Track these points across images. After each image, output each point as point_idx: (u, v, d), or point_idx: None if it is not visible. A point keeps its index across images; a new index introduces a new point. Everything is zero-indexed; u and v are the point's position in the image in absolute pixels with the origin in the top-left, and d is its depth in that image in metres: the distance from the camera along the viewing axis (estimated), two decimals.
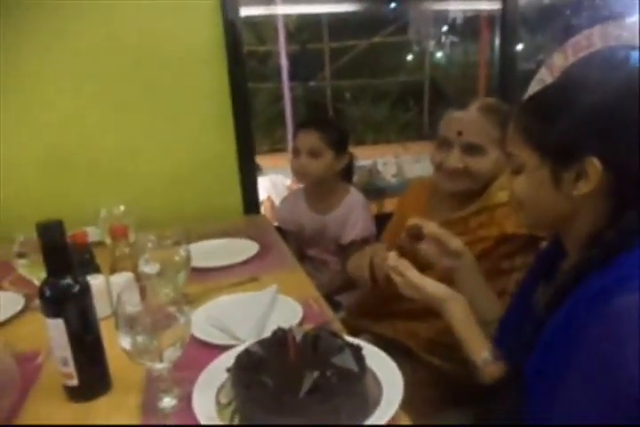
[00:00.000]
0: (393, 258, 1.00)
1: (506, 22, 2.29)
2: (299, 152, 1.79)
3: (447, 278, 1.05)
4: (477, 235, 1.23)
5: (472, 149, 1.22)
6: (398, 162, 7.78)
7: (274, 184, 4.36)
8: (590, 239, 0.75)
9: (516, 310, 0.96)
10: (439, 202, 1.40)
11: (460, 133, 1.22)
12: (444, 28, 9.36)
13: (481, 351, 0.90)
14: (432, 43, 9.29)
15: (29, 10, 1.66)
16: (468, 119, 1.24)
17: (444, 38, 9.47)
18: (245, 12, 1.98)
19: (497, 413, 0.81)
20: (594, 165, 0.70)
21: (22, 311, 1.18)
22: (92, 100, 1.79)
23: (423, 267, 1.03)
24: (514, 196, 0.83)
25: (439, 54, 9.66)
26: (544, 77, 3.24)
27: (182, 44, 1.81)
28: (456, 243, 1.06)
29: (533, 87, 3.23)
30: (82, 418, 0.79)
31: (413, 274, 0.97)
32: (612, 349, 0.64)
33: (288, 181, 4.26)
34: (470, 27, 8.40)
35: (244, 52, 1.91)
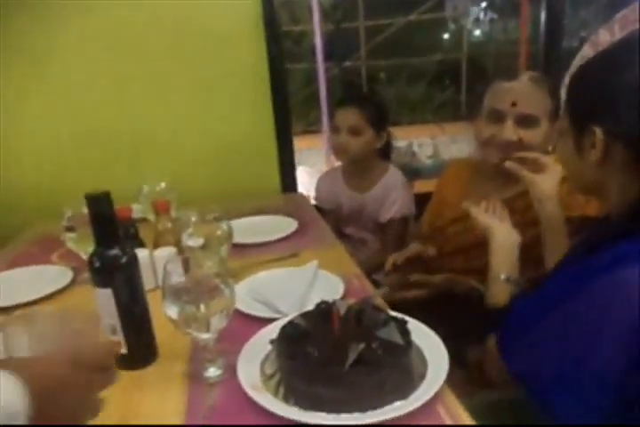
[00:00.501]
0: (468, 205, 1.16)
1: None
2: (339, 130, 1.77)
3: None
4: (526, 217, 1.20)
5: (526, 121, 1.19)
6: (434, 143, 7.69)
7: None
8: (618, 210, 0.77)
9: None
10: (481, 182, 1.36)
11: (514, 104, 1.18)
12: (483, 4, 9.09)
13: (501, 272, 1.03)
14: (470, 20, 9.04)
15: None
16: (521, 90, 1.20)
17: (482, 15, 9.20)
18: None
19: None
20: (598, 134, 0.74)
21: (71, 284, 1.21)
22: (132, 78, 1.80)
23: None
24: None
25: (477, 32, 9.40)
26: (588, 55, 3.11)
27: (221, 22, 1.80)
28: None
29: (576, 65, 3.11)
30: (130, 386, 0.81)
31: (478, 214, 1.12)
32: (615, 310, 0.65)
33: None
34: (510, 2, 8.12)
35: (281, 29, 1.90)
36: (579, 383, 0.68)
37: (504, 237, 1.08)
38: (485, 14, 9.25)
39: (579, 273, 0.72)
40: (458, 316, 1.26)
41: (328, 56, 6.67)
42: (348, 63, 8.24)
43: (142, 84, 1.81)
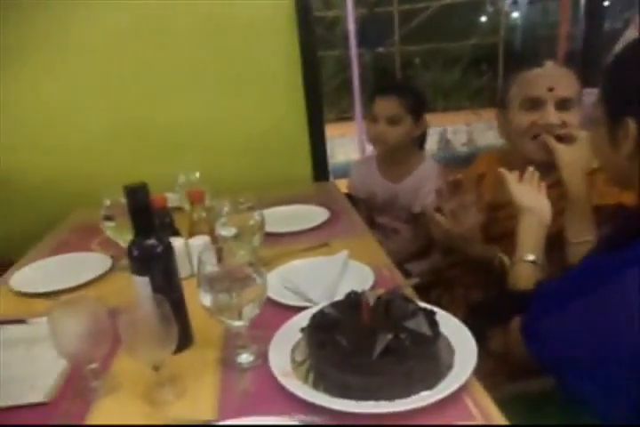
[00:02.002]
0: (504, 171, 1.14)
1: None
2: (377, 119, 1.77)
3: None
4: (558, 206, 1.18)
5: (565, 104, 1.18)
6: (469, 130, 7.55)
7: None
8: None
9: None
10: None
11: (550, 89, 1.17)
12: None
13: (528, 253, 1.02)
14: (507, 2, 8.77)
15: None
16: (555, 74, 1.20)
17: None
18: None
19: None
20: (631, 127, 0.73)
21: (110, 271, 1.26)
22: (167, 69, 1.84)
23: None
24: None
25: (515, 14, 9.11)
26: (631, 38, 2.99)
27: (253, 11, 1.81)
28: None
29: (619, 48, 2.99)
30: (168, 371, 0.84)
31: (512, 182, 1.11)
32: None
33: None
34: None
35: (313, 17, 1.89)
36: (606, 370, 0.68)
37: (535, 216, 1.07)
38: None
39: (609, 263, 0.72)
40: (481, 293, 1.26)
41: (361, 42, 6.59)
42: (381, 49, 8.12)
43: (176, 75, 1.84)
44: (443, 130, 7.13)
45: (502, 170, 1.15)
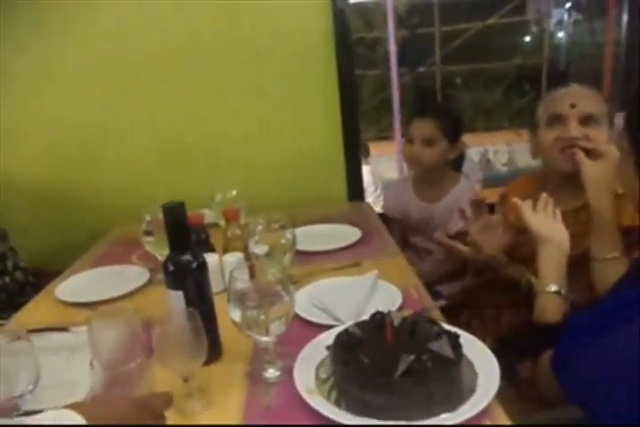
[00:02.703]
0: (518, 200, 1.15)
1: None
2: (412, 140, 1.80)
3: None
4: (588, 228, 1.18)
5: (588, 120, 1.20)
6: (510, 150, 7.44)
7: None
8: None
9: None
10: (549, 195, 1.34)
11: (572, 106, 1.20)
12: (568, 5, 8.70)
13: (551, 283, 1.01)
14: (553, 22, 8.68)
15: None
16: (577, 92, 1.24)
17: (566, 16, 8.81)
18: None
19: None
20: None
21: (147, 284, 1.32)
22: (207, 91, 1.91)
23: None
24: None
25: (560, 34, 9.00)
26: None
27: (293, 33, 1.87)
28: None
29: None
30: (196, 381, 0.88)
31: (527, 212, 1.11)
32: None
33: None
34: (597, 2, 7.74)
35: (352, 40, 1.94)
36: (636, 409, 0.67)
37: (554, 246, 1.07)
38: (570, 15, 8.86)
39: (638, 295, 0.71)
40: (508, 325, 1.25)
41: (402, 62, 6.64)
42: (422, 69, 8.16)
43: (217, 96, 1.91)
44: (484, 150, 7.06)
45: (516, 199, 1.16)
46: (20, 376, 0.73)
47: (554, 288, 1.01)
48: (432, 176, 1.86)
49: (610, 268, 1.04)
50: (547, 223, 1.11)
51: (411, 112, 1.97)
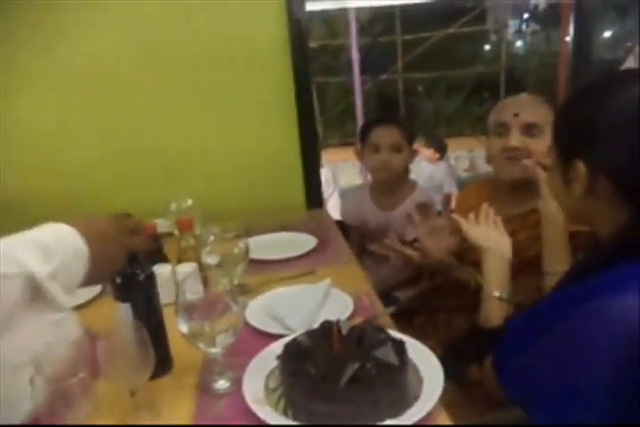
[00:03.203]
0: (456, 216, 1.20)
1: (581, 8, 2.18)
2: (378, 147, 1.80)
3: None
4: (536, 232, 1.22)
5: (530, 129, 1.24)
6: (471, 156, 7.60)
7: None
8: (606, 239, 0.80)
9: None
10: (498, 200, 1.39)
11: (516, 115, 1.24)
12: (525, 16, 8.98)
13: (494, 289, 1.05)
14: (511, 31, 8.95)
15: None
16: (522, 101, 1.28)
17: (524, 26, 9.09)
18: (317, 6, 2.01)
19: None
20: (580, 168, 0.76)
21: (99, 296, 1.29)
22: (163, 99, 1.89)
23: None
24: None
25: (518, 43, 9.29)
26: (631, 67, 3.05)
27: (249, 41, 1.87)
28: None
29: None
30: (145, 396, 0.87)
31: (465, 226, 1.16)
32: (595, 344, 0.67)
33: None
34: (553, 13, 8.00)
35: (309, 48, 1.95)
36: (572, 405, 0.70)
37: (496, 254, 1.11)
38: (527, 26, 9.14)
39: (569, 297, 0.75)
40: (460, 329, 1.28)
41: (365, 70, 6.73)
42: (384, 76, 8.27)
43: (173, 104, 1.90)
44: (445, 156, 7.19)
45: (455, 215, 1.21)
46: None
47: (497, 294, 1.05)
48: (391, 184, 1.88)
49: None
50: (487, 234, 1.15)
51: (369, 121, 1.99)
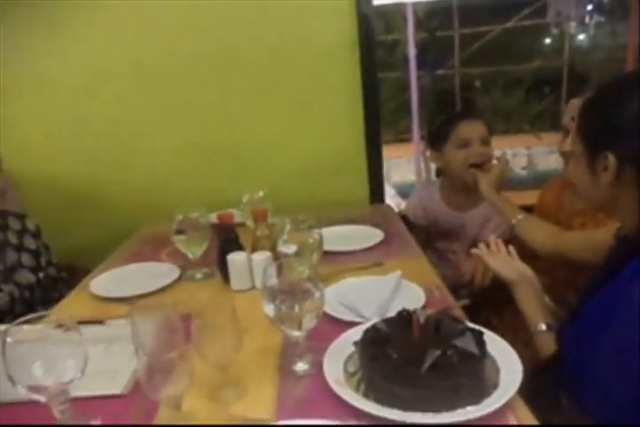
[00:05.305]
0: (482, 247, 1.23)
1: None
2: (468, 142, 1.71)
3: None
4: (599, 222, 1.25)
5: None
6: (529, 153, 7.41)
7: None
8: (631, 228, 0.83)
9: None
10: (576, 195, 1.39)
11: (573, 119, 1.24)
12: (589, 8, 8.64)
13: (538, 323, 1.03)
14: (573, 24, 8.62)
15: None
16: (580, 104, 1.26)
17: (587, 19, 8.74)
18: (378, 1, 2.01)
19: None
20: (611, 159, 0.80)
21: (178, 280, 1.36)
22: (235, 93, 1.96)
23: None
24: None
25: (581, 37, 8.94)
26: None
27: (318, 40, 1.91)
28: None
29: None
30: (230, 374, 0.92)
31: (489, 258, 1.18)
32: None
33: None
34: (620, 4, 7.67)
35: (375, 43, 1.96)
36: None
37: (524, 285, 1.10)
38: (591, 18, 8.79)
39: (608, 298, 0.77)
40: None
41: (421, 65, 6.66)
42: (440, 71, 8.15)
43: (244, 99, 1.96)
44: (502, 153, 7.04)
45: (475, 250, 1.23)
46: (68, 364, 0.78)
47: (544, 327, 1.02)
48: (465, 183, 1.73)
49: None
50: (508, 264, 1.16)
51: (450, 116, 1.87)
